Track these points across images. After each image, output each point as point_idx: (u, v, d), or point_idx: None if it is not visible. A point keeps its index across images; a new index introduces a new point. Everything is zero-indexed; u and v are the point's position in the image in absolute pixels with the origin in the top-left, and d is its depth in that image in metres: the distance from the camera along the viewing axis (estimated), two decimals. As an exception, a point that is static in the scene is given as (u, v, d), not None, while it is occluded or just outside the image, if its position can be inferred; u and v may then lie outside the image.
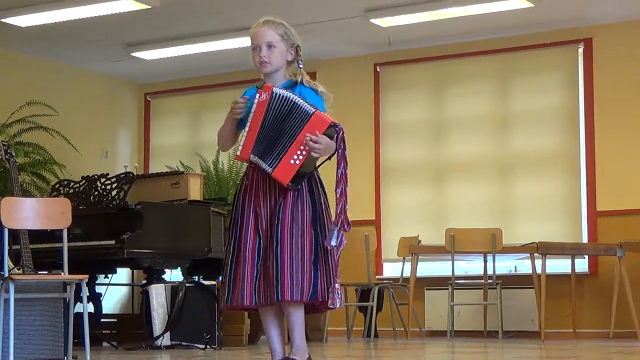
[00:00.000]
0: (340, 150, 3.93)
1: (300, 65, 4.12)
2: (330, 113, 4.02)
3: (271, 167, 3.94)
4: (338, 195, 3.93)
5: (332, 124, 3.92)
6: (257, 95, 4.00)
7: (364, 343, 8.20)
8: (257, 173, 4.06)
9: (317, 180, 4.07)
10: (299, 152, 3.92)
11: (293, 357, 4.01)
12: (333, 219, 3.98)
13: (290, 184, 3.94)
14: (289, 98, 3.96)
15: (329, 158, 3.99)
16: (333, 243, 3.94)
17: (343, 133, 3.93)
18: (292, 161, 3.92)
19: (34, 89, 9.64)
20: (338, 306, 3.98)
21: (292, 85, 4.07)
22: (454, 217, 9.30)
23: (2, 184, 8.70)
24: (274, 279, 3.92)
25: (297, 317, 4.02)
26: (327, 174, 4.07)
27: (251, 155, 4.00)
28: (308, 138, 3.88)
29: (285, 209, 3.98)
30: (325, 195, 4.07)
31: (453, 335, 8.46)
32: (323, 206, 4.04)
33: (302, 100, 3.96)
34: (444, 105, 9.65)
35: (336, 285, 3.96)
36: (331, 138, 3.93)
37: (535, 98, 9.24)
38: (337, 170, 3.94)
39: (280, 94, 3.97)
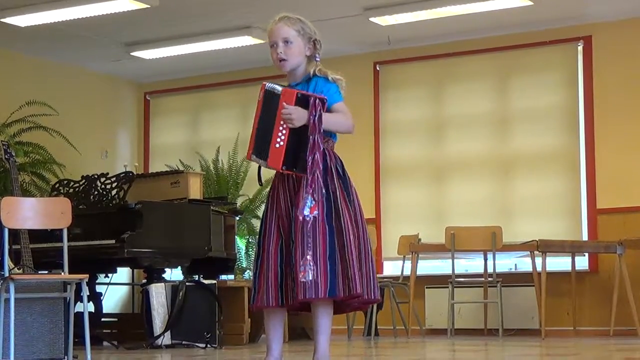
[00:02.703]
0: (311, 117, 3.90)
1: (317, 59, 4.11)
2: (345, 98, 4.02)
3: (264, 160, 3.95)
4: (310, 164, 3.89)
5: (298, 94, 3.91)
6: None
7: (364, 342, 8.20)
8: (277, 175, 4.08)
9: (333, 172, 4.01)
10: (279, 133, 3.90)
11: None
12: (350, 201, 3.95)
13: (286, 167, 3.91)
14: (273, 88, 3.97)
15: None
16: (306, 213, 3.90)
17: (316, 100, 3.90)
18: (276, 144, 3.91)
19: (33, 89, 9.64)
20: (375, 297, 3.92)
21: (308, 79, 4.08)
22: (454, 215, 9.30)
23: (2, 184, 8.69)
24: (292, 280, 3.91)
25: (324, 322, 3.98)
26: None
27: (252, 156, 4.00)
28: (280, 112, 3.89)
29: (297, 207, 3.96)
30: (345, 187, 4.00)
31: (453, 334, 8.46)
32: (339, 200, 3.97)
33: (276, 85, 3.96)
34: (443, 103, 9.65)
35: (358, 278, 3.86)
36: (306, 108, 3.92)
37: (534, 96, 9.24)
38: (309, 137, 3.90)
39: (270, 89, 3.98)
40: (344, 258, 3.91)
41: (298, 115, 3.89)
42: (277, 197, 4.05)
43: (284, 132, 3.90)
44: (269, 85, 4.00)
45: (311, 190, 3.91)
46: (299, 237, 3.91)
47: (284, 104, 3.89)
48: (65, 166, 9.40)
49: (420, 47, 9.63)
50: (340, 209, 3.96)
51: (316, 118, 3.89)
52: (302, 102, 3.91)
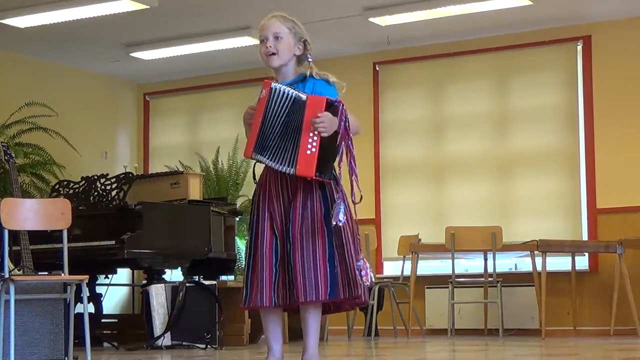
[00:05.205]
0: (342, 123, 3.86)
1: (309, 60, 4.08)
2: (344, 99, 3.97)
3: (292, 167, 3.87)
4: (348, 169, 3.86)
5: (328, 100, 3.87)
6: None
7: (364, 342, 8.20)
8: (269, 173, 4.02)
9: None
10: (310, 140, 3.85)
11: None
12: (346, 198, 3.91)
13: (318, 174, 3.86)
14: (287, 92, 3.91)
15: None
16: (340, 218, 3.85)
17: (343, 106, 3.88)
18: (308, 151, 3.85)
19: (33, 90, 9.64)
20: (366, 299, 3.91)
21: (302, 79, 4.04)
22: (454, 215, 9.31)
23: (2, 185, 8.70)
24: (290, 281, 3.90)
25: (313, 323, 3.97)
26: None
27: (253, 154, 3.95)
28: (312, 120, 3.84)
29: (295, 209, 3.93)
30: (337, 187, 3.97)
31: (454, 334, 8.47)
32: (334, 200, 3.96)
33: (296, 91, 3.91)
34: (443, 103, 9.66)
35: (361, 278, 3.88)
36: (335, 115, 3.88)
37: (534, 96, 9.24)
38: (340, 143, 3.86)
39: (278, 89, 3.92)
40: (343, 259, 3.91)
41: (331, 124, 3.85)
42: (269, 196, 4.00)
43: (315, 139, 3.85)
44: (278, 86, 3.93)
45: (342, 196, 3.89)
46: (297, 238, 3.90)
47: (318, 112, 3.84)
48: (65, 167, 9.40)
49: (419, 47, 9.63)
50: None
51: (346, 125, 3.87)
52: (329, 108, 3.88)
